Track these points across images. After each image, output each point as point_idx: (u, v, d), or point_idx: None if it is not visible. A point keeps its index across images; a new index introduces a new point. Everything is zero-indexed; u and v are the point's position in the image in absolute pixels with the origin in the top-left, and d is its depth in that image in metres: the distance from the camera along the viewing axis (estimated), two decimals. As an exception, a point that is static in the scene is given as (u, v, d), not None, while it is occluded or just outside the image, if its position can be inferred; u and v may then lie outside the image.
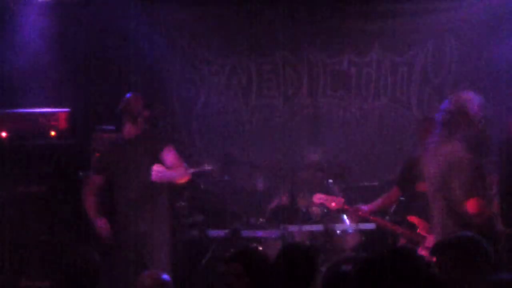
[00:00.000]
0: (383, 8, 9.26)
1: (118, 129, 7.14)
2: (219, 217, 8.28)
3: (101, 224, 6.88)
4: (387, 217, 7.56)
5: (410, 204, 7.12)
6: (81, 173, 7.33)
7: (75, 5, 8.59)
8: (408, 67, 9.52)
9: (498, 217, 5.94)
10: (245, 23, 9.34)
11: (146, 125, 6.96)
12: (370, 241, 7.88)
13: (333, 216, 7.93)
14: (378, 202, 7.43)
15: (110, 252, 6.75)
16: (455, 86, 9.32)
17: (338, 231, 7.94)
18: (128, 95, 7.02)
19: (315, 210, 8.11)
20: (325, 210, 7.85)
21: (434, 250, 4.57)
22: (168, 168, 6.80)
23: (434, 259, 4.49)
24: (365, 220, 7.52)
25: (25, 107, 7.70)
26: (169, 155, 6.87)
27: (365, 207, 7.31)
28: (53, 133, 7.41)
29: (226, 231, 7.90)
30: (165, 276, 5.26)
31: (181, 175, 6.92)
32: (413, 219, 6.85)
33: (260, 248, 7.06)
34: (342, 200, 7.41)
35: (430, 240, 6.55)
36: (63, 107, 7.65)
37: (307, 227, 8.04)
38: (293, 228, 7.94)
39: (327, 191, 7.96)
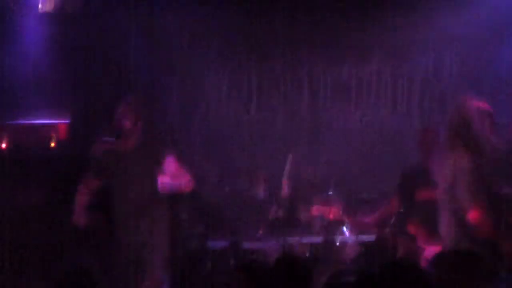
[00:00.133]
0: (384, 18, 9.26)
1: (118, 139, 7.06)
2: (219, 228, 8.27)
3: (77, 216, 6.77)
4: (387, 228, 7.55)
5: (410, 215, 7.11)
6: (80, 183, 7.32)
7: (76, 14, 8.60)
8: (408, 77, 9.53)
9: None
10: (246, 32, 9.35)
11: (144, 134, 6.88)
12: (370, 252, 7.87)
13: (333, 227, 7.92)
14: (377, 214, 7.44)
15: (109, 261, 6.72)
16: (456, 96, 9.33)
17: (337, 243, 7.94)
18: (119, 110, 6.89)
19: (315, 221, 8.11)
20: (325, 222, 7.85)
21: (433, 262, 4.57)
22: (172, 177, 6.76)
23: (433, 270, 4.49)
24: (365, 231, 7.53)
25: (25, 118, 7.71)
26: (171, 165, 6.80)
27: (364, 219, 7.31)
28: (53, 144, 7.42)
29: (226, 242, 7.89)
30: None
31: (186, 185, 6.86)
32: (412, 230, 6.86)
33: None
34: (340, 210, 7.42)
35: (430, 251, 6.56)
36: (63, 117, 7.66)
37: (307, 239, 8.03)
38: (293, 239, 7.94)
39: (327, 203, 7.96)
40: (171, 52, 9.21)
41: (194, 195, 7.84)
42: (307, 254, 7.82)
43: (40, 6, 8.45)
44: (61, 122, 7.56)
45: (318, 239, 7.99)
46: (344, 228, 7.99)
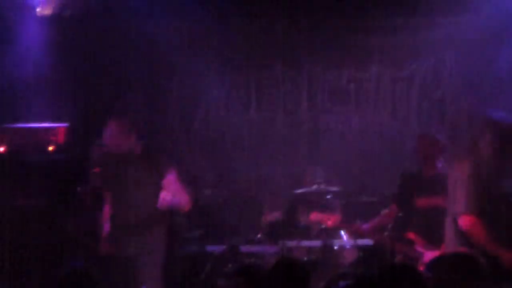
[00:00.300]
0: (383, 23, 9.27)
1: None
2: (217, 232, 8.27)
3: (104, 247, 6.76)
4: (386, 233, 7.55)
5: (408, 220, 7.11)
6: (79, 188, 7.32)
7: (75, 17, 8.60)
8: (407, 82, 9.54)
9: None
10: (245, 36, 9.36)
11: (143, 143, 6.81)
12: (367, 257, 7.87)
13: (331, 231, 7.92)
14: (376, 220, 7.43)
15: (106, 261, 6.69)
16: (455, 101, 9.35)
17: (336, 247, 7.94)
18: (107, 130, 6.78)
19: (313, 225, 8.11)
20: (323, 226, 7.84)
21: (430, 266, 4.57)
22: (172, 194, 6.64)
23: (431, 274, 4.49)
24: (362, 236, 7.52)
25: (24, 121, 7.71)
26: (172, 180, 6.70)
27: (363, 226, 7.31)
28: (51, 147, 7.41)
29: (224, 246, 7.89)
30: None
31: (187, 203, 6.78)
32: (411, 235, 6.85)
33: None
34: (339, 218, 7.41)
35: (428, 257, 6.57)
36: (63, 120, 7.66)
37: (305, 243, 8.03)
38: (291, 243, 7.94)
39: (326, 207, 7.96)
40: (171, 52, 9.21)
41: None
42: (305, 258, 7.82)
43: (38, 9, 8.45)
44: (60, 125, 7.54)
45: (316, 243, 8.00)
46: (342, 233, 8.00)
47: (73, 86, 8.67)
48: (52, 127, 7.55)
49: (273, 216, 8.48)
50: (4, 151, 7.40)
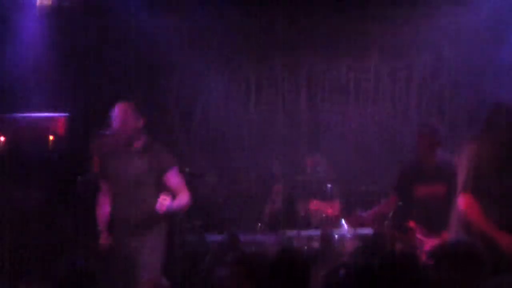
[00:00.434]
0: (382, 14, 9.26)
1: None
2: (217, 221, 8.28)
3: (103, 241, 6.63)
4: (386, 222, 7.56)
5: (408, 209, 7.12)
6: (79, 178, 7.31)
7: (75, 10, 8.59)
8: (407, 74, 9.54)
9: None
10: (244, 30, 9.35)
11: (146, 136, 6.66)
12: (368, 246, 7.88)
13: (331, 221, 7.94)
14: (376, 209, 7.44)
15: (106, 258, 6.65)
16: (454, 91, 9.35)
17: (336, 236, 7.95)
18: (116, 110, 6.58)
19: (313, 215, 8.12)
20: (324, 215, 7.86)
21: (432, 254, 4.58)
22: (171, 190, 6.53)
23: (432, 262, 4.50)
24: (362, 225, 7.53)
25: (24, 111, 7.71)
26: (174, 178, 6.60)
27: (363, 215, 7.32)
28: (51, 137, 7.41)
29: (224, 235, 7.90)
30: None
31: (186, 204, 6.64)
32: (411, 224, 6.87)
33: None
34: (339, 206, 7.43)
35: (428, 245, 6.59)
36: (63, 111, 7.65)
37: (305, 232, 8.05)
38: (291, 233, 7.95)
39: (326, 196, 7.97)
40: (171, 51, 9.21)
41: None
42: (305, 247, 7.83)
43: (38, 0, 8.44)
44: (59, 115, 7.55)
45: (316, 232, 8.01)
46: (343, 222, 8.01)
47: (73, 76, 8.65)
48: (51, 117, 7.55)
49: (275, 206, 8.50)
50: (3, 141, 7.41)
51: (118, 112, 6.55)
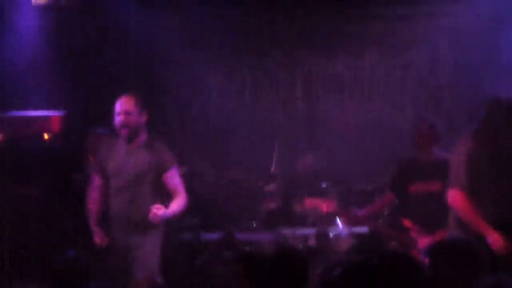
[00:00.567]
0: (380, 11, 9.28)
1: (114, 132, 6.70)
2: (213, 220, 8.28)
3: (97, 238, 6.62)
4: (381, 220, 7.58)
5: (404, 206, 7.14)
6: (75, 176, 7.31)
7: (72, 8, 8.58)
8: (403, 70, 9.55)
9: None
10: (244, 30, 9.36)
11: (148, 133, 6.60)
12: (363, 244, 7.90)
13: (326, 219, 7.94)
14: (372, 207, 7.45)
15: (102, 255, 6.63)
16: (451, 89, 9.37)
17: (331, 234, 7.96)
18: (121, 102, 6.48)
19: (309, 213, 8.13)
20: (319, 214, 7.86)
21: (427, 252, 4.59)
22: (169, 190, 6.53)
23: (427, 260, 4.51)
24: (358, 223, 7.55)
25: (20, 109, 7.70)
26: (173, 178, 6.55)
27: (358, 213, 7.33)
28: (47, 136, 7.39)
29: (220, 234, 7.90)
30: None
31: (181, 210, 6.57)
32: (406, 222, 6.88)
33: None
34: (334, 203, 7.43)
35: (423, 243, 6.60)
36: (59, 109, 7.64)
37: (301, 230, 8.05)
38: (287, 231, 7.96)
39: (322, 194, 7.98)
40: (171, 51, 9.20)
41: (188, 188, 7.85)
42: (301, 246, 7.84)
43: (33, -1, 8.44)
44: (55, 114, 7.53)
45: (312, 230, 8.02)
46: (338, 220, 8.02)
47: (70, 74, 8.64)
48: (48, 116, 7.53)
49: (273, 204, 8.49)
50: (0, 139, 7.39)
51: (122, 103, 6.48)
